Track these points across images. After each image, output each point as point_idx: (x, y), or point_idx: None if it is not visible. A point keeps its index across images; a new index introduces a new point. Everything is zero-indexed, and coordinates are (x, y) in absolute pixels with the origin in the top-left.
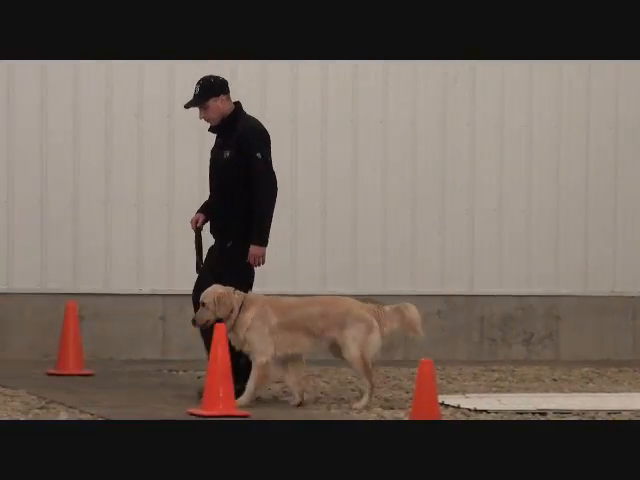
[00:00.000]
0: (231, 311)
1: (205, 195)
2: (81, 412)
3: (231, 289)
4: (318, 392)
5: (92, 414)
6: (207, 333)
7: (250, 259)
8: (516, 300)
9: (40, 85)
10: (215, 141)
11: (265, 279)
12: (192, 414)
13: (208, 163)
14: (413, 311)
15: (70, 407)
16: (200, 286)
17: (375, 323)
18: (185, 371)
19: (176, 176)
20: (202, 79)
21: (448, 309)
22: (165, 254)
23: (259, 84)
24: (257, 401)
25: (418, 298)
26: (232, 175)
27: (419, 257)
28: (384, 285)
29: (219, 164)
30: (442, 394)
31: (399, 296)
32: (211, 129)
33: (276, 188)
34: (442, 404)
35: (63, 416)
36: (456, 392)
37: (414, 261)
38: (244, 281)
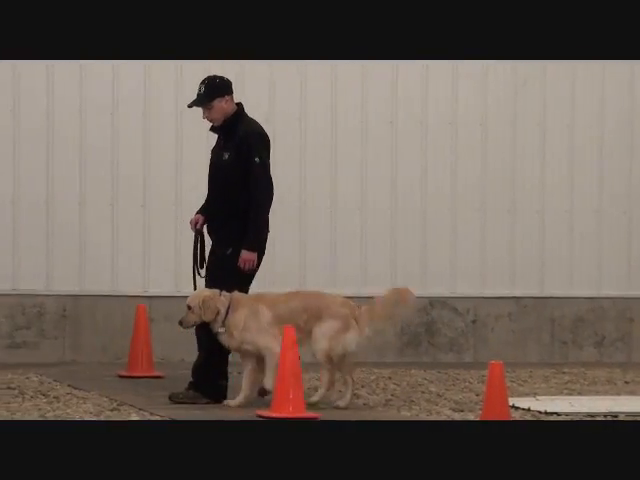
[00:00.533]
0: (217, 314)
1: None
2: (151, 414)
3: (217, 291)
4: (388, 394)
5: (162, 416)
6: (201, 331)
7: (240, 262)
8: (587, 302)
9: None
10: (217, 141)
11: (336, 282)
12: (261, 416)
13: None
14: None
15: (140, 409)
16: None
17: (353, 322)
18: None
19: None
20: (207, 79)
21: (519, 311)
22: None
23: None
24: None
25: (488, 300)
26: (231, 177)
27: (489, 259)
28: (454, 287)
29: (219, 165)
30: (512, 396)
31: (469, 298)
32: (212, 129)
33: (272, 193)
34: (512, 406)
35: (134, 418)
36: (527, 395)
37: (484, 263)
38: (244, 287)
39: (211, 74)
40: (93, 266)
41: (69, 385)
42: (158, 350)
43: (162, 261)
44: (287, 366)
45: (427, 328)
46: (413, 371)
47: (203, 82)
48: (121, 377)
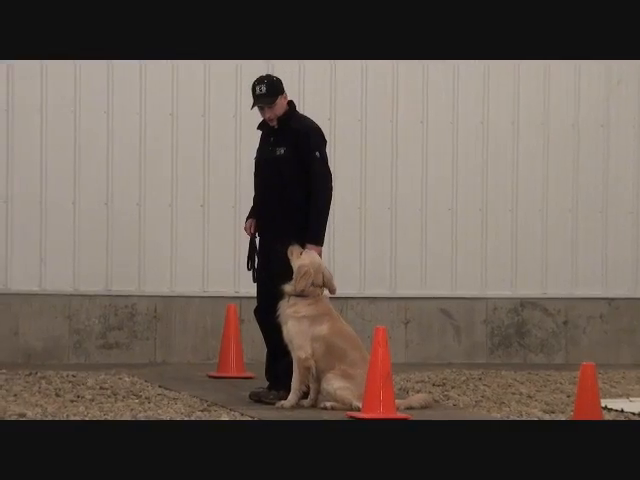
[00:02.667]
0: (323, 285)
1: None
2: (242, 414)
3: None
4: (478, 395)
5: (252, 416)
6: (265, 325)
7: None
8: None
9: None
10: (263, 139)
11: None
12: (352, 417)
13: (253, 163)
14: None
15: (231, 409)
16: (261, 291)
17: (355, 377)
18: None
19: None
20: (265, 79)
21: (611, 312)
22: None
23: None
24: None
25: (580, 301)
26: (285, 172)
27: (581, 259)
28: (545, 288)
29: (270, 161)
30: (605, 398)
31: (560, 299)
32: (261, 127)
33: (332, 188)
34: (604, 408)
35: (224, 418)
36: (619, 396)
37: (576, 263)
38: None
39: (264, 74)
40: (184, 267)
41: (160, 386)
42: (248, 351)
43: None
44: (378, 367)
45: (517, 329)
46: (504, 372)
47: (261, 82)
48: (211, 378)
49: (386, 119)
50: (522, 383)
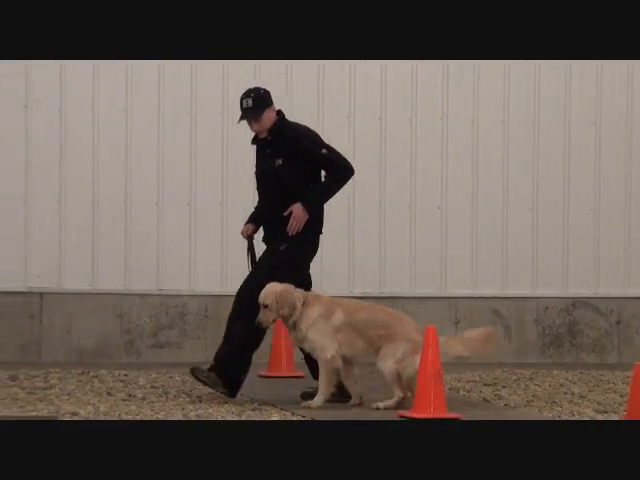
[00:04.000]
0: (294, 308)
1: None
2: (292, 414)
3: (290, 286)
4: (530, 395)
5: (303, 416)
6: (236, 322)
7: (292, 217)
8: None
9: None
10: (259, 152)
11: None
12: (403, 417)
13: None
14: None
15: (282, 409)
16: (247, 288)
17: (420, 347)
18: None
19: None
20: (252, 92)
21: None
22: (377, 258)
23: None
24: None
25: (633, 300)
26: (285, 182)
27: (634, 259)
28: (597, 287)
29: (270, 172)
30: None
31: (612, 298)
32: (255, 140)
33: (351, 169)
34: None
35: (275, 418)
36: None
37: (628, 262)
38: (296, 284)
39: (252, 87)
40: (234, 267)
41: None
42: (298, 350)
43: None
44: (428, 367)
45: (569, 329)
46: (555, 372)
47: (249, 95)
48: (262, 377)
49: (435, 118)
50: (574, 383)
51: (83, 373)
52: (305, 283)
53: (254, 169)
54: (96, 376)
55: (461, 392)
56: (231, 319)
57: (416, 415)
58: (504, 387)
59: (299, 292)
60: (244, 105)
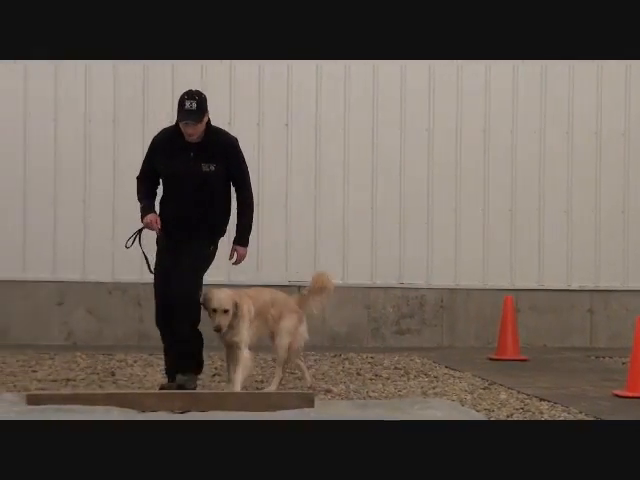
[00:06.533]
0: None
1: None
2: (519, 392)
3: (238, 290)
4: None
5: (528, 394)
6: (164, 323)
7: (239, 259)
8: None
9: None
10: (174, 152)
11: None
12: (617, 395)
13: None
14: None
15: (509, 388)
16: (170, 284)
17: (303, 314)
18: (611, 357)
19: None
20: (195, 94)
21: None
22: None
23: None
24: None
25: None
26: (217, 188)
27: None
28: (625, 281)
29: (197, 177)
30: None
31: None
32: (163, 139)
33: (252, 194)
34: None
35: (502, 397)
36: None
37: None
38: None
39: (194, 89)
40: (467, 263)
41: (446, 366)
42: (523, 336)
43: (526, 256)
44: None
45: None
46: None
47: (192, 97)
48: (491, 360)
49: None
50: None
51: (335, 356)
52: None
53: (160, 166)
54: (347, 358)
55: None
56: (178, 322)
57: (629, 394)
58: None
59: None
60: (187, 106)
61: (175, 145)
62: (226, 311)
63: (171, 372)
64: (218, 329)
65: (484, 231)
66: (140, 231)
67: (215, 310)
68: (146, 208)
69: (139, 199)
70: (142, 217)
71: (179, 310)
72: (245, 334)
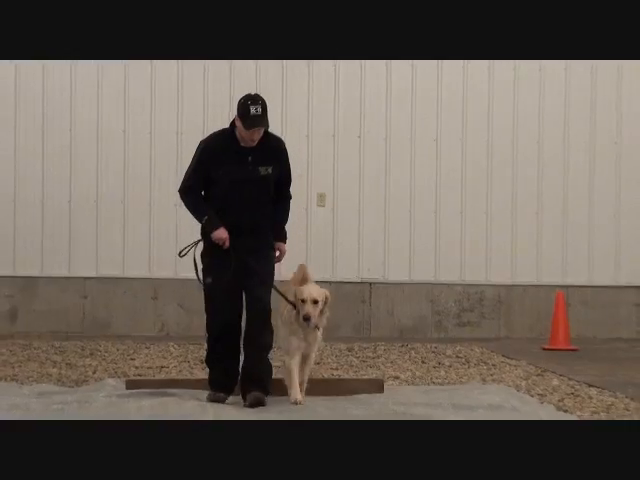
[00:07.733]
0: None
1: None
2: (569, 379)
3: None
4: None
5: (578, 381)
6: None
7: (281, 256)
8: None
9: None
10: (232, 159)
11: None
12: None
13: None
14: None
15: (560, 375)
16: (266, 300)
17: None
18: None
19: None
20: (259, 99)
21: None
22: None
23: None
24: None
25: None
26: (271, 190)
27: None
28: None
29: (257, 181)
30: None
31: None
32: (216, 147)
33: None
34: None
35: (555, 383)
36: None
37: None
38: None
39: (252, 93)
40: (523, 261)
41: (503, 355)
42: (574, 328)
43: (578, 253)
44: None
45: None
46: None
47: (256, 102)
48: (544, 350)
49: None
50: None
51: (402, 346)
52: None
53: (218, 173)
54: (413, 348)
55: None
56: (259, 334)
57: None
58: None
59: None
60: (253, 112)
61: (231, 150)
62: (316, 302)
63: (223, 384)
64: (307, 317)
65: (537, 232)
66: (197, 243)
67: (304, 300)
68: (213, 220)
69: (198, 211)
70: (210, 230)
71: (260, 323)
72: (325, 322)
